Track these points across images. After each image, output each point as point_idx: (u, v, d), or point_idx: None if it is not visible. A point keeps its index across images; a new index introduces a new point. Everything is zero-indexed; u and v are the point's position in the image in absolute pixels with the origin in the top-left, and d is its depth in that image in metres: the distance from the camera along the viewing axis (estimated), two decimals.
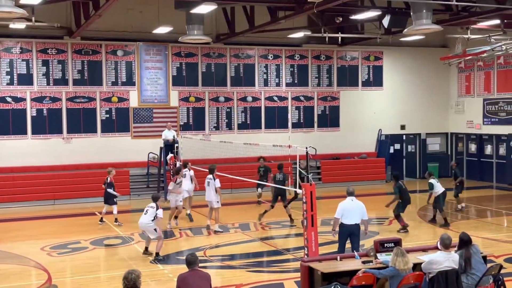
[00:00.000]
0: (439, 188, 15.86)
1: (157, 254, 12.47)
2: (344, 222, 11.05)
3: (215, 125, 23.42)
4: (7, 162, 20.46)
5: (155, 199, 12.66)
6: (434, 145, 27.15)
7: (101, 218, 16.67)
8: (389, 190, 23.23)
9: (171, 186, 15.77)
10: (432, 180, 15.85)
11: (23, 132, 20.80)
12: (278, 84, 24.28)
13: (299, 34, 22.47)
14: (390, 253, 8.79)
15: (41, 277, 11.51)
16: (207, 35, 18.68)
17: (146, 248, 12.87)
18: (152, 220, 12.37)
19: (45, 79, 21.02)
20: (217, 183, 15.20)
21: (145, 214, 12.49)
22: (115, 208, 16.59)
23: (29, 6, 16.50)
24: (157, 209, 12.39)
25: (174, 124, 22.23)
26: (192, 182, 16.92)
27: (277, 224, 16.53)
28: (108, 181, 16.63)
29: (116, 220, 16.48)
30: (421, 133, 26.77)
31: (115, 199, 16.65)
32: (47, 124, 21.07)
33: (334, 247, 13.22)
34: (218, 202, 15.28)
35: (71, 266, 12.41)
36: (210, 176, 15.40)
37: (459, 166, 17.92)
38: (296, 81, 24.54)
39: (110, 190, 16.54)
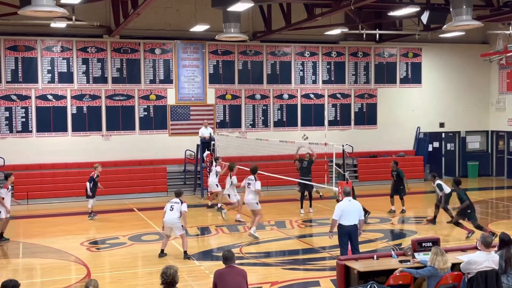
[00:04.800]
0: (447, 189, 15.54)
1: (185, 252, 12.47)
2: (342, 223, 10.84)
3: (251, 122, 23.47)
4: (48, 159, 20.92)
5: (178, 194, 12.62)
6: (474, 143, 26.65)
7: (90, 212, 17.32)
8: (427, 189, 22.97)
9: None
10: (439, 181, 15.61)
11: (64, 129, 21.23)
12: (314, 82, 24.18)
13: (336, 31, 22.33)
14: (428, 253, 8.68)
15: (81, 271, 11.74)
16: (244, 33, 18.71)
17: (162, 250, 12.68)
18: (179, 217, 12.33)
19: (85, 77, 21.40)
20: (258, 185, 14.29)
21: (170, 210, 12.36)
22: (90, 202, 17.13)
23: (69, 6, 16.81)
24: (181, 204, 12.39)
25: (210, 121, 22.37)
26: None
27: (313, 222, 16.48)
28: (93, 176, 17.15)
29: (89, 214, 17.09)
30: (460, 131, 26.31)
31: (89, 195, 17.10)
32: (87, 121, 21.46)
33: (372, 246, 13.18)
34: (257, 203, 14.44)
35: (110, 261, 12.61)
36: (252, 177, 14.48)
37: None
38: (332, 79, 24.40)
39: (87, 184, 17.00)
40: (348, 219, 10.85)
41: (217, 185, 18.08)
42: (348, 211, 10.88)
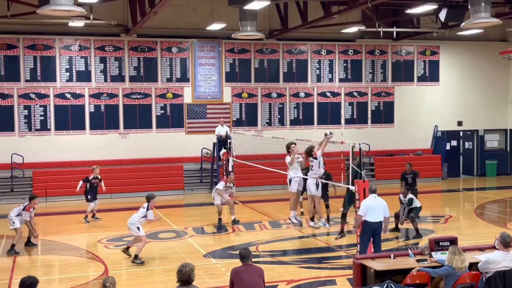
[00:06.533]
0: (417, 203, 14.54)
1: (135, 256, 12.06)
2: (368, 219, 10.89)
3: (268, 121, 23.47)
4: (66, 157, 21.09)
5: (147, 199, 12.43)
6: (492, 141, 26.39)
7: (92, 215, 16.90)
8: (445, 188, 22.83)
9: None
10: (411, 195, 14.48)
11: (82, 127, 21.39)
12: (331, 80, 24.10)
13: (353, 29, 22.24)
14: (445, 252, 8.61)
15: (98, 268, 11.83)
16: (260, 31, 18.72)
17: (127, 248, 12.54)
18: (142, 217, 12.19)
19: (103, 76, 21.55)
20: None
21: (136, 212, 12.37)
22: (91, 205, 16.61)
23: (87, 5, 16.95)
24: (147, 209, 12.22)
25: (227, 120, 22.41)
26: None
27: (330, 221, 16.43)
28: (89, 177, 16.67)
29: (86, 217, 16.60)
30: (478, 130, 26.06)
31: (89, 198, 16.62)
32: (104, 119, 21.60)
33: (389, 245, 13.11)
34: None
35: (127, 259, 12.68)
36: None
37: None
38: (349, 77, 24.30)
39: (79, 185, 16.55)
40: (373, 216, 10.89)
41: (214, 198, 16.23)
42: (374, 208, 10.93)
